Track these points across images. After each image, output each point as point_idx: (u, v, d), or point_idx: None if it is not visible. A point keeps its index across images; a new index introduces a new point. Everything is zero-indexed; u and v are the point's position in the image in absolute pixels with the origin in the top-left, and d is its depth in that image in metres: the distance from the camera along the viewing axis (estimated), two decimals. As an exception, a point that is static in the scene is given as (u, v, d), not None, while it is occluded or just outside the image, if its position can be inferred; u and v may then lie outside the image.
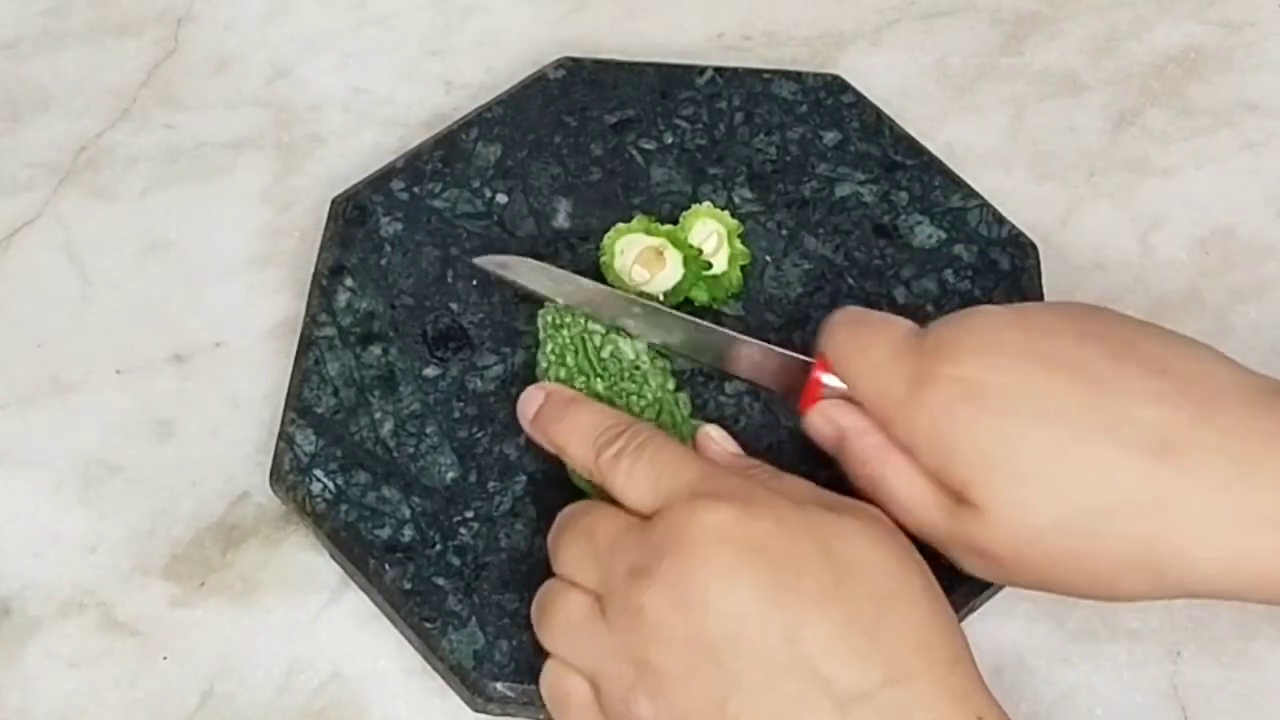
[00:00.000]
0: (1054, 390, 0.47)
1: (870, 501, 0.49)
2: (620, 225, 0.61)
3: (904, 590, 0.45)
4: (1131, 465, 0.46)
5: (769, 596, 0.44)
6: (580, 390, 0.55)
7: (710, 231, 0.60)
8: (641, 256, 0.60)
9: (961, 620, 0.51)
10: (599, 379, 0.55)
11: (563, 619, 0.47)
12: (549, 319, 0.57)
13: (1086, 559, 0.47)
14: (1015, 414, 0.47)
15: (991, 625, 0.55)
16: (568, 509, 0.50)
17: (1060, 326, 0.49)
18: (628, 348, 0.56)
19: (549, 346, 0.56)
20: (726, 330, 0.57)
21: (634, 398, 0.54)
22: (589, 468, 0.50)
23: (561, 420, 0.52)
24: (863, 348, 0.51)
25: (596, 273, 0.60)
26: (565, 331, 0.57)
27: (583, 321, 0.57)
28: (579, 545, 0.48)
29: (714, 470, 0.48)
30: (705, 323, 0.57)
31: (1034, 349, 0.48)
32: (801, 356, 0.54)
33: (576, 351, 0.55)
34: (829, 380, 0.52)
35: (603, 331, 0.57)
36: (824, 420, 0.52)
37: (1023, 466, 0.47)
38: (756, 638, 0.43)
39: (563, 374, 0.55)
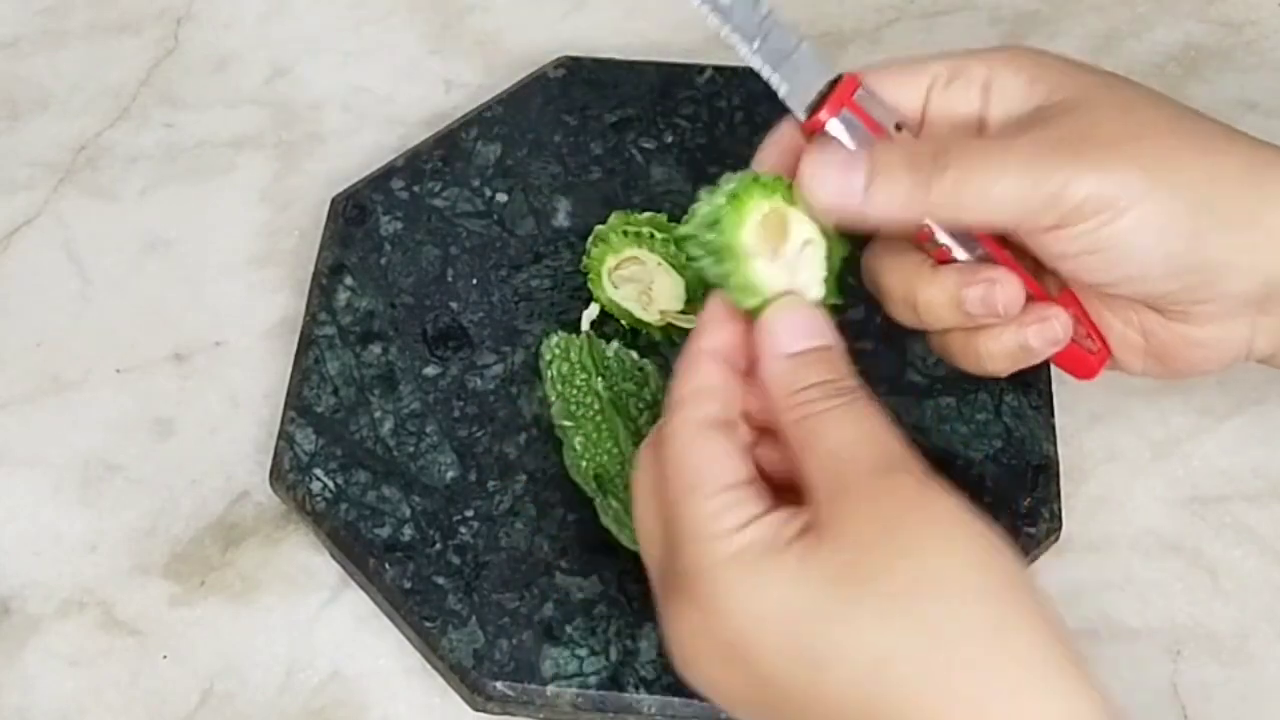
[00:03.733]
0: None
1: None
2: (599, 227, 0.60)
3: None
4: None
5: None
6: (581, 388, 0.55)
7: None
8: (620, 270, 0.58)
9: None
10: (600, 377, 0.55)
11: None
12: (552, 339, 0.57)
13: None
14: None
15: (991, 624, 0.55)
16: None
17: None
18: (632, 350, 0.56)
19: (554, 340, 0.56)
20: None
21: (633, 399, 0.54)
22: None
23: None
24: None
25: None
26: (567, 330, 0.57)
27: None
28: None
29: None
30: None
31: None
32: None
33: (581, 348, 0.56)
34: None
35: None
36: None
37: None
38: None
39: (565, 369, 0.55)
